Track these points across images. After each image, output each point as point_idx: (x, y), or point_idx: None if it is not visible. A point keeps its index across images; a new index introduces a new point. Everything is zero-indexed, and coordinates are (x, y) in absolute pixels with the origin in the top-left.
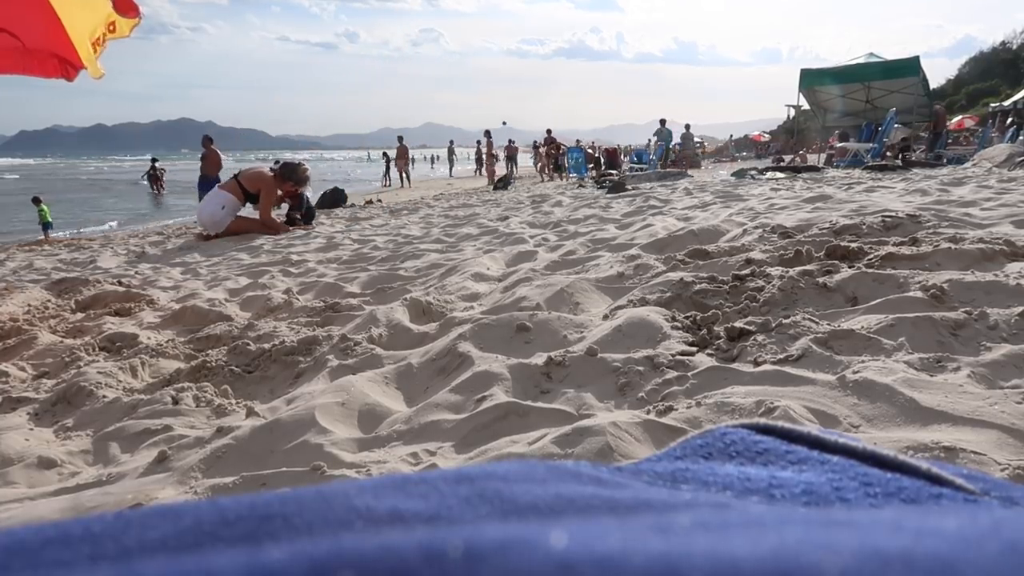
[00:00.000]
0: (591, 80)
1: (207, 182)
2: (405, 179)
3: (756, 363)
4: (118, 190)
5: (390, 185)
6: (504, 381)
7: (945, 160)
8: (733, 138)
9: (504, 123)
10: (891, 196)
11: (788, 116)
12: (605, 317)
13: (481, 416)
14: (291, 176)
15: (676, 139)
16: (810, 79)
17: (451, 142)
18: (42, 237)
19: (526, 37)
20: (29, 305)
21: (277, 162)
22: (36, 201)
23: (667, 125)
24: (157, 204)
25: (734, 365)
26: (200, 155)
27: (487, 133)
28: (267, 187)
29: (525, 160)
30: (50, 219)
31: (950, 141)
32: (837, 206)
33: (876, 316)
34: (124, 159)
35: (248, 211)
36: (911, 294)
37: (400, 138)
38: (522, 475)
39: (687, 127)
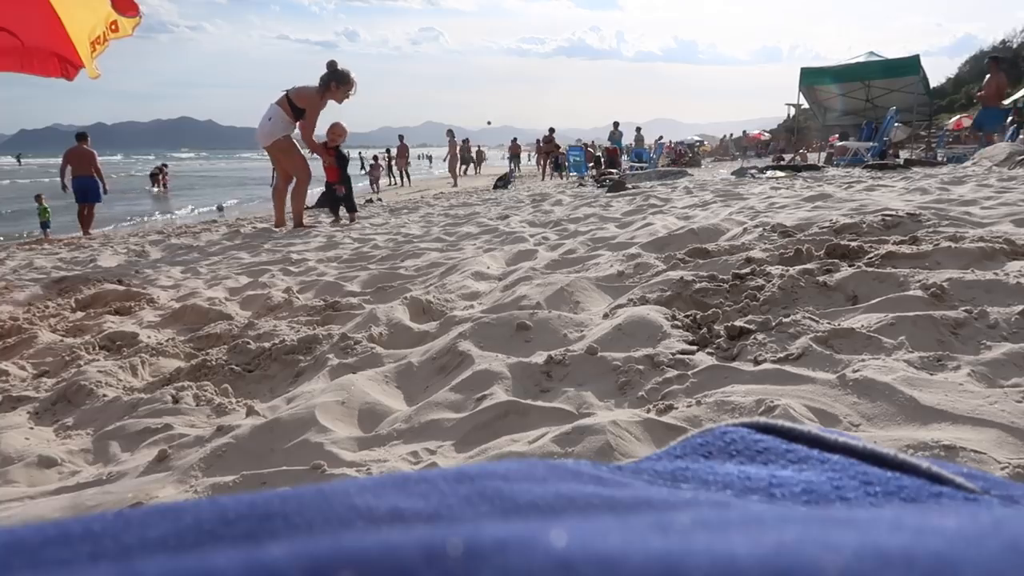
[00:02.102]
0: (591, 79)
1: (80, 182)
2: (405, 178)
3: (756, 362)
4: (123, 188)
5: (386, 185)
6: (504, 380)
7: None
8: (733, 136)
9: (489, 122)
10: (891, 195)
11: (788, 115)
12: (605, 316)
13: (481, 415)
14: (332, 78)
15: (642, 142)
16: (810, 78)
17: (466, 140)
18: (41, 236)
19: (526, 36)
20: (29, 304)
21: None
22: (38, 199)
23: (667, 122)
24: (160, 202)
25: (734, 364)
26: (66, 154)
27: (449, 132)
28: (312, 103)
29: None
30: (49, 218)
31: (949, 140)
32: (837, 205)
33: (876, 315)
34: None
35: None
36: (911, 293)
37: (401, 137)
38: (522, 474)
39: (638, 129)
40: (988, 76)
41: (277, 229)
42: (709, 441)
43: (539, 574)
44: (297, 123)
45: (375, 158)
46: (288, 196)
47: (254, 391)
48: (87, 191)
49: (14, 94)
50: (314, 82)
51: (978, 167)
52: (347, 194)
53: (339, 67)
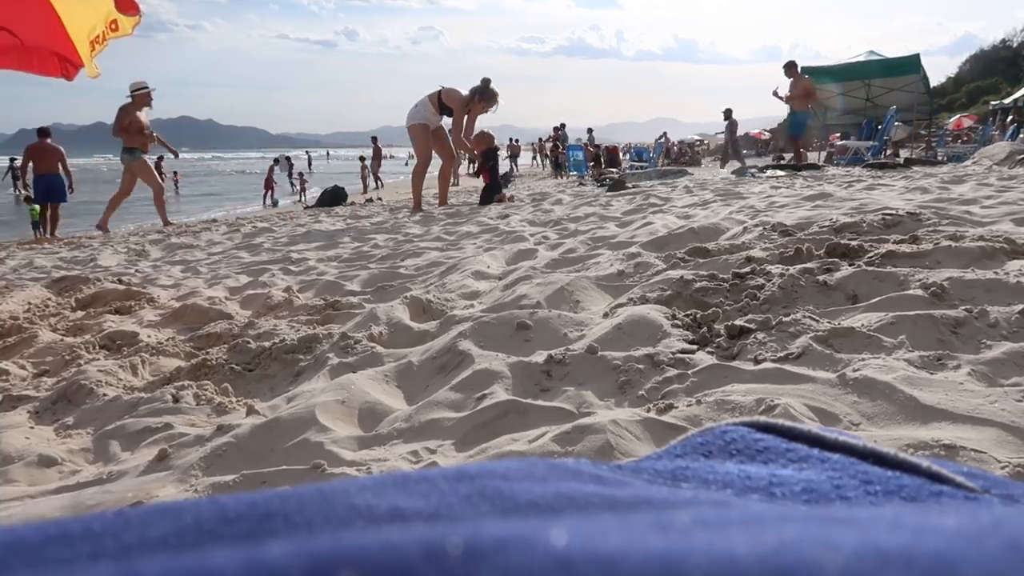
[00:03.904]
0: (591, 78)
1: (45, 180)
2: (378, 181)
3: (756, 361)
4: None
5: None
6: (504, 379)
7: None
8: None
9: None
10: (891, 194)
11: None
12: (605, 315)
13: (481, 414)
14: (478, 92)
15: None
16: (810, 77)
17: None
18: (33, 236)
19: (526, 35)
20: (29, 303)
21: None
22: (28, 200)
23: (667, 122)
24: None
25: (734, 363)
26: (28, 150)
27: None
28: (458, 104)
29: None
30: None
31: (949, 139)
32: (837, 204)
33: (876, 314)
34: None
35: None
36: (911, 292)
37: (374, 139)
38: (522, 473)
39: (589, 131)
40: (792, 81)
41: (413, 215)
42: (709, 440)
43: (539, 573)
44: (443, 116)
45: (361, 158)
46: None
47: (254, 390)
48: (50, 190)
49: (14, 93)
50: (455, 86)
51: (978, 166)
52: (495, 184)
53: (489, 85)
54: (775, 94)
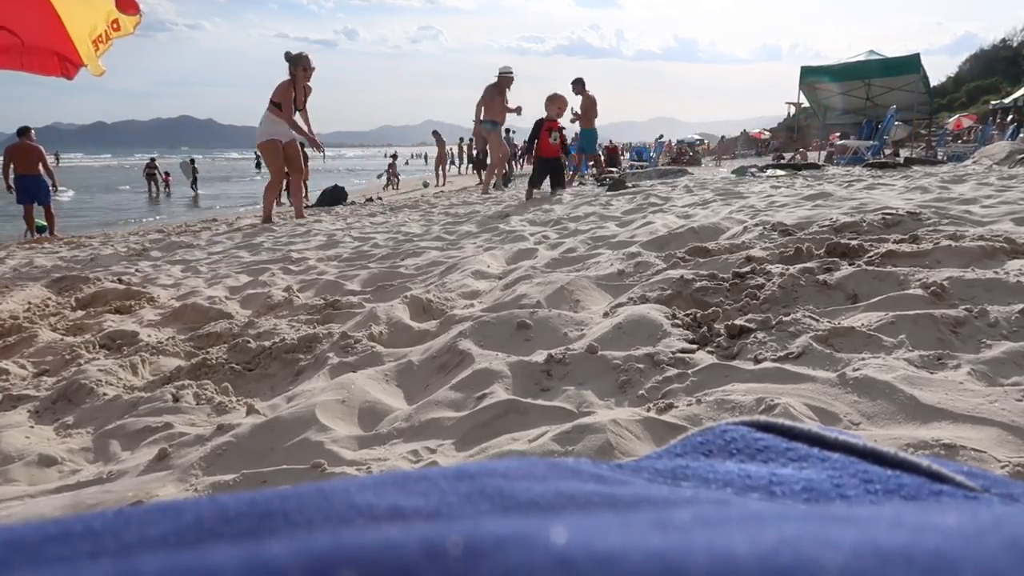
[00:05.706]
0: (591, 77)
1: (26, 181)
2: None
3: (756, 360)
4: (128, 186)
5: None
6: (504, 379)
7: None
8: (726, 138)
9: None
10: (891, 193)
11: (788, 114)
12: (605, 315)
13: (481, 414)
14: (293, 66)
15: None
16: (810, 76)
17: (461, 139)
18: (30, 236)
19: (526, 34)
20: (29, 303)
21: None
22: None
23: (667, 121)
24: (157, 202)
25: (734, 363)
26: (8, 151)
27: (435, 133)
28: (280, 92)
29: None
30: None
31: (949, 139)
32: (837, 203)
33: (876, 313)
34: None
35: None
36: (911, 291)
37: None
38: (522, 472)
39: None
40: (581, 99)
41: (264, 223)
42: (709, 439)
43: (539, 571)
44: (286, 119)
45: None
46: (284, 193)
47: (254, 390)
48: (33, 191)
49: (13, 93)
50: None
51: (978, 166)
52: (563, 169)
53: (290, 55)
54: (571, 121)
